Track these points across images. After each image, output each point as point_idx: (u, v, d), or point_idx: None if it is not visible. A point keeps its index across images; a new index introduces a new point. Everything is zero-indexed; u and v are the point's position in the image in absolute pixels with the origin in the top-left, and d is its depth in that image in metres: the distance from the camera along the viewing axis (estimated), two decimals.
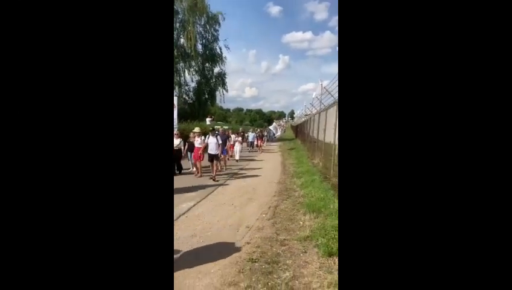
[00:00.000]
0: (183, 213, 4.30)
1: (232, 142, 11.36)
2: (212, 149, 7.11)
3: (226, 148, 8.69)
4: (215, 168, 7.20)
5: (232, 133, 12.48)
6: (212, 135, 7.18)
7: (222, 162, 8.42)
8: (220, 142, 7.13)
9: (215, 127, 9.85)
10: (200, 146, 7.54)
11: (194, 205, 4.77)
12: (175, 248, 3.08)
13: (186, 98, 20.59)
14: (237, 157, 11.11)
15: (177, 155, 7.40)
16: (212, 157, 7.15)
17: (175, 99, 10.00)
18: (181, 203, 4.77)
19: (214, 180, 6.90)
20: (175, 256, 2.87)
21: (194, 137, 7.74)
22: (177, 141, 7.41)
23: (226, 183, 6.83)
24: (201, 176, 7.33)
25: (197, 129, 7.77)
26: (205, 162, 7.68)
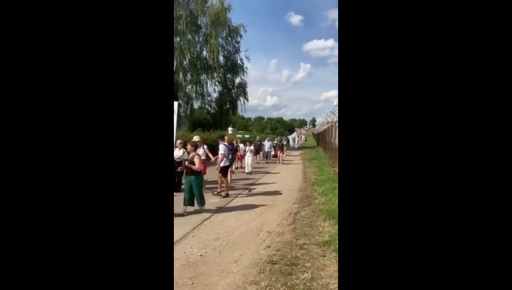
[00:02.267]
0: (207, 218, 4.52)
1: (241, 153, 10.17)
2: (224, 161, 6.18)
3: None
4: (220, 183, 6.25)
5: (241, 142, 11.10)
6: (221, 144, 6.31)
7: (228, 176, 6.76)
8: (222, 151, 6.13)
9: (237, 135, 9.40)
10: (202, 157, 5.97)
11: (216, 212, 4.98)
12: (201, 249, 3.29)
13: (209, 108, 21.23)
14: (248, 170, 9.90)
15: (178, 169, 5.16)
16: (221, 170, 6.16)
17: (175, 104, 9.15)
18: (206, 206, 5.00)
19: (219, 195, 6.08)
20: (201, 256, 3.08)
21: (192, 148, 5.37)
22: (179, 153, 5.48)
23: (227, 205, 5.38)
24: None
25: (196, 138, 6.32)
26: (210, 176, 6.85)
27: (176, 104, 8.40)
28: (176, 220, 4.31)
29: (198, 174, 4.75)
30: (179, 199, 4.68)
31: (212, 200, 5.64)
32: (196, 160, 4.65)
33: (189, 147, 4.94)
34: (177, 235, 3.66)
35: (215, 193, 6.13)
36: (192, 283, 2.51)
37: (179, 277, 2.60)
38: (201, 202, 4.83)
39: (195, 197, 4.72)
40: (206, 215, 4.66)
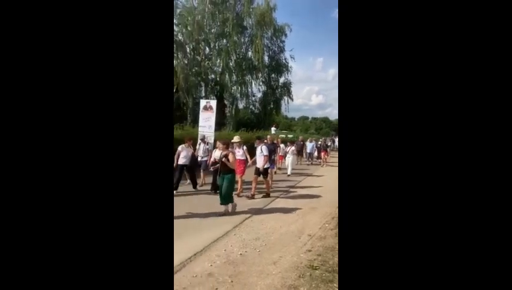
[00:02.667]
0: (248, 218, 4.56)
1: (281, 153, 9.82)
2: (258, 162, 6.03)
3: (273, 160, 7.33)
4: (255, 185, 5.99)
5: (282, 142, 10.53)
6: (258, 145, 6.13)
7: (268, 177, 6.50)
8: (266, 153, 5.93)
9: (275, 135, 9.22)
10: (241, 158, 6.14)
11: (256, 212, 5.00)
12: (241, 248, 3.33)
13: (253, 108, 21.54)
14: (289, 172, 9.38)
15: (217, 170, 4.91)
16: (259, 172, 6.00)
17: (213, 103, 8.50)
18: (244, 207, 5.07)
19: (253, 197, 5.84)
20: (241, 255, 3.12)
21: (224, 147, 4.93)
22: (219, 153, 5.07)
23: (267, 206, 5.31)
24: (239, 196, 5.92)
25: (236, 138, 6.16)
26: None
27: (214, 102, 8.50)
28: (218, 219, 4.43)
29: (231, 172, 4.70)
30: (216, 198, 4.80)
31: (251, 201, 5.70)
32: (230, 157, 4.64)
33: (220, 145, 4.90)
34: (218, 232, 3.76)
35: (248, 195, 5.91)
36: (232, 281, 2.55)
37: (219, 274, 2.66)
38: (228, 200, 4.67)
39: (221, 194, 4.65)
40: (247, 215, 4.71)
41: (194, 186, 6.41)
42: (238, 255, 3.12)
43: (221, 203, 4.67)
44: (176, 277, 2.60)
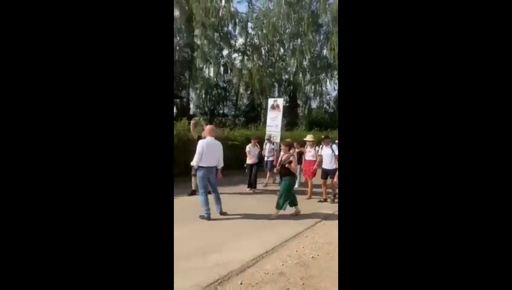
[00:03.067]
0: (320, 221, 4.43)
1: None
2: (326, 163, 5.58)
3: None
4: (325, 189, 5.75)
5: None
6: (326, 145, 5.68)
7: (335, 180, 5.81)
8: (337, 153, 5.50)
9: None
10: (312, 159, 5.90)
11: (329, 216, 4.82)
12: (313, 250, 3.26)
13: (327, 107, 20.85)
14: None
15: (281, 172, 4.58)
16: (327, 173, 5.63)
17: (280, 101, 8.18)
18: (314, 210, 4.93)
19: (325, 200, 5.64)
20: (312, 258, 3.06)
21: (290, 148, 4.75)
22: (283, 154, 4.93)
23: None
24: (310, 198, 5.80)
25: (309, 137, 5.96)
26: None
27: (281, 101, 8.40)
28: (289, 220, 4.42)
29: (290, 175, 4.47)
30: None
31: (323, 204, 5.54)
32: (292, 163, 4.42)
33: (283, 147, 4.73)
34: (289, 233, 3.76)
35: (320, 200, 5.69)
36: (303, 284, 2.52)
37: (290, 274, 2.66)
38: (282, 205, 4.34)
39: (279, 197, 4.40)
40: (318, 218, 4.58)
41: (252, 185, 6.36)
42: (309, 258, 3.06)
43: (280, 208, 4.37)
44: (248, 271, 2.71)
